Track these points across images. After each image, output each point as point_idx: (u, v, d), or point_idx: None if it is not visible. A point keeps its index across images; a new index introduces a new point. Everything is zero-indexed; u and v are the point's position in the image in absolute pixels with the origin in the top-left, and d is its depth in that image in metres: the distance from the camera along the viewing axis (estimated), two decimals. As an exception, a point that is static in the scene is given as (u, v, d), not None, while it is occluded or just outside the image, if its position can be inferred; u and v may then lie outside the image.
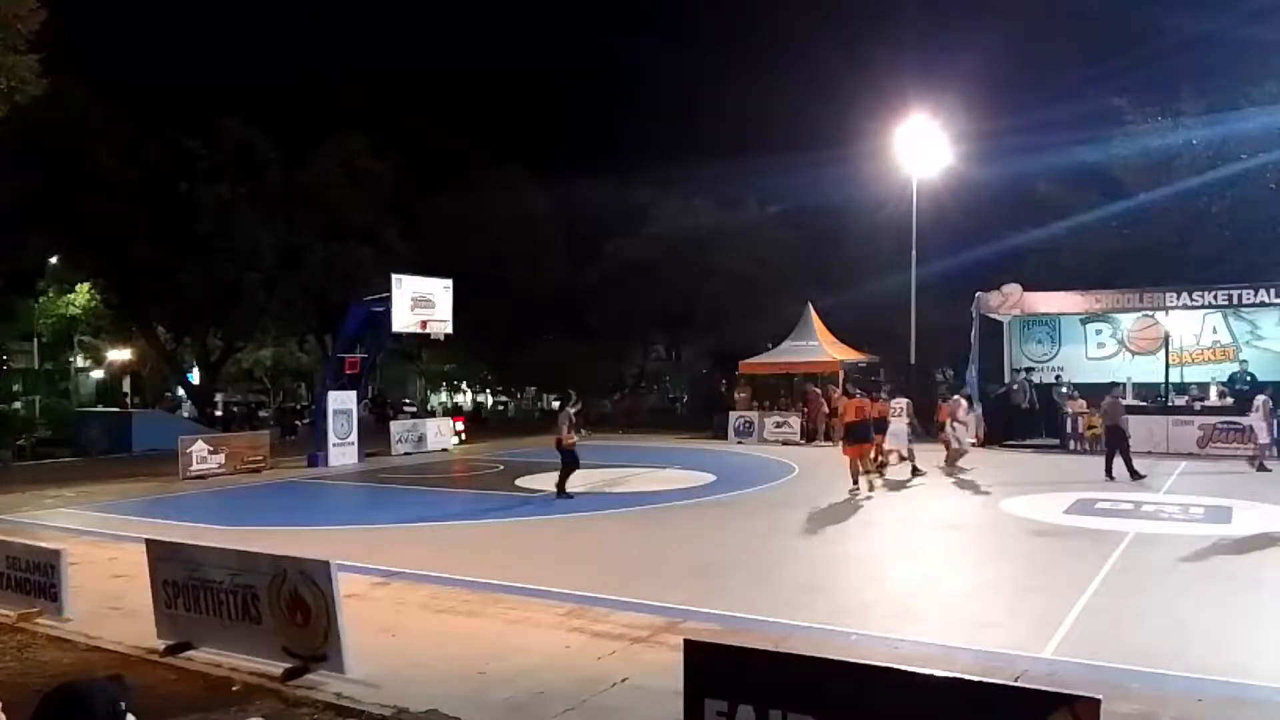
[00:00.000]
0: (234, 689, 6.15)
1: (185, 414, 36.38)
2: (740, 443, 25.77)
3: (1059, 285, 24.42)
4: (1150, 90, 29.14)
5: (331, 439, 21.31)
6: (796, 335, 28.16)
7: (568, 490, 14.80)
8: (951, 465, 17.68)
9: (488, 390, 56.77)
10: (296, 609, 6.12)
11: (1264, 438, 17.78)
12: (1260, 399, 17.90)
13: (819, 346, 27.22)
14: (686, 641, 4.11)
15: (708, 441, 26.40)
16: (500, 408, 54.82)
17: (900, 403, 17.66)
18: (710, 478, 17.29)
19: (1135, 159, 28.82)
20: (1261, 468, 17.31)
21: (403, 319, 21.47)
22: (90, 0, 25.94)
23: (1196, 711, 5.28)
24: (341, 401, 21.63)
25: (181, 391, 40.83)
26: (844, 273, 33.40)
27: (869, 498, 14.74)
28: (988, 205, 30.80)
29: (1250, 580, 8.73)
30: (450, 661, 6.52)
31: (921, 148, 28.17)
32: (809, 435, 25.40)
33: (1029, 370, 25.37)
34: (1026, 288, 24.17)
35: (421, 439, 24.56)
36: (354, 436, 21.84)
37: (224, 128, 29.68)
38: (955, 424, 17.87)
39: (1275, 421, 18.39)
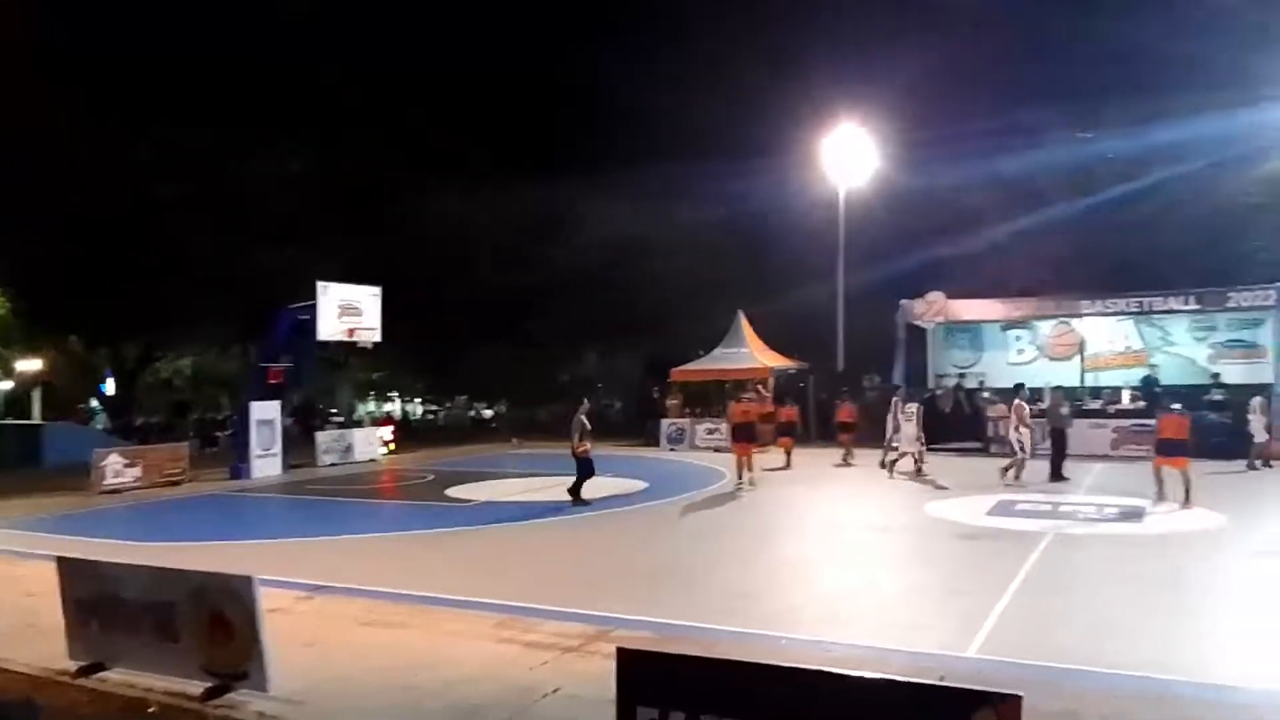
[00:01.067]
0: (150, 710, 5.92)
1: (100, 426, 35.07)
2: (673, 449, 25.88)
3: (982, 293, 25.11)
4: (1072, 102, 30.22)
5: (255, 450, 20.76)
6: (728, 342, 28.44)
7: (584, 497, 14.70)
8: (1016, 475, 16.30)
9: (418, 399, 56.02)
10: (216, 626, 5.93)
11: (1260, 437, 18.33)
12: (1257, 400, 18.52)
13: (749, 353, 27.52)
14: (619, 650, 4.10)
15: (640, 448, 26.45)
16: (430, 416, 54.15)
17: (912, 407, 18.31)
18: (642, 485, 17.32)
19: (1056, 170, 29.84)
20: (1253, 467, 17.97)
21: (329, 327, 21.04)
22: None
23: (1117, 707, 5.44)
24: (265, 411, 21.09)
25: (96, 403, 39.38)
26: (775, 280, 33.81)
27: (752, 489, 16.24)
28: (914, 214, 31.48)
29: (1162, 577, 9.07)
30: (379, 675, 6.39)
31: (849, 157, 28.81)
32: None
33: (961, 376, 25.99)
34: (950, 295, 24.80)
35: (349, 449, 24.08)
36: (278, 447, 21.32)
37: (153, 125, 28.73)
38: (1021, 428, 16.41)
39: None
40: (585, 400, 15.99)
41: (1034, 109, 30.21)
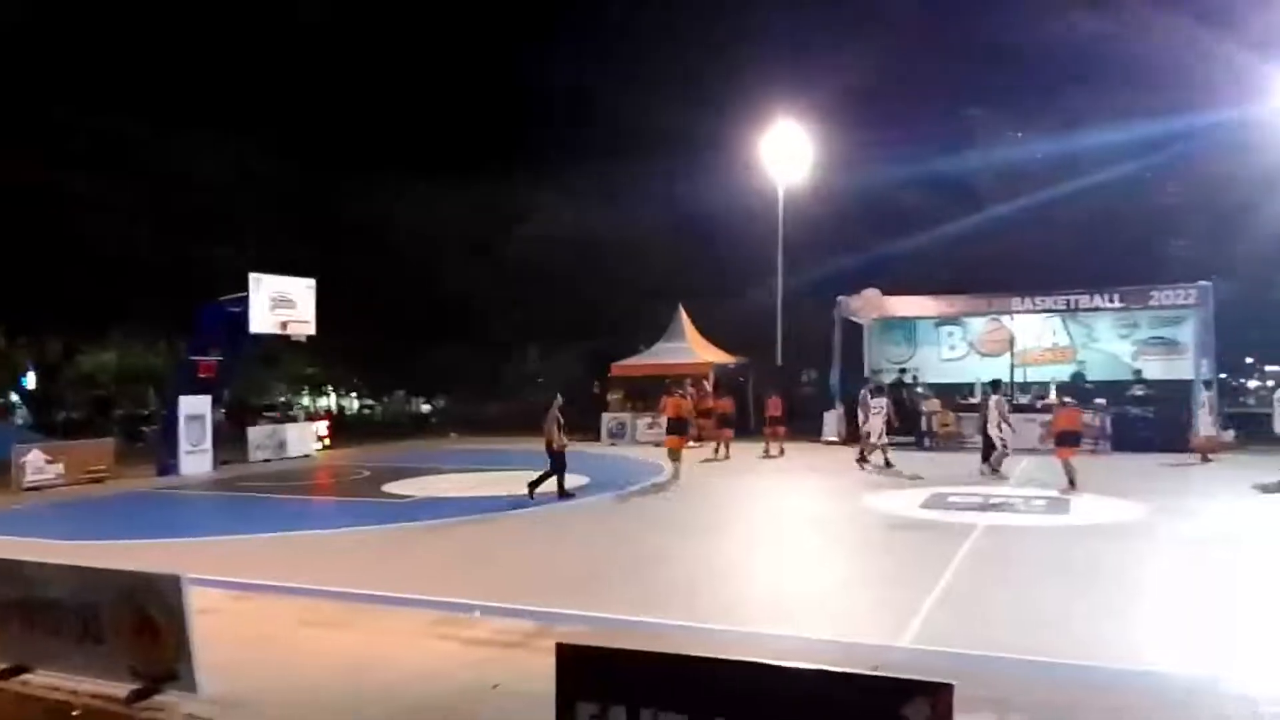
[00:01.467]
0: (74, 714, 5.74)
1: (20, 421, 33.78)
2: (614, 444, 25.92)
3: (916, 290, 25.60)
4: (1006, 106, 31.05)
5: (184, 446, 20.20)
6: (668, 337, 28.56)
7: (568, 489, 14.76)
8: (996, 468, 16.95)
9: (354, 394, 55.08)
10: (144, 627, 5.76)
11: (1205, 431, 18.96)
12: (1206, 395, 19.13)
13: (690, 348, 27.67)
14: (558, 645, 4.09)
15: (582, 443, 26.41)
16: (367, 411, 53.27)
17: (880, 401, 18.73)
18: (583, 480, 17.29)
19: (989, 170, 30.59)
20: (1207, 460, 18.55)
21: (261, 320, 20.56)
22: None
23: (1045, 694, 5.60)
24: (195, 406, 20.53)
25: (16, 398, 37.90)
26: (717, 276, 34.05)
27: (677, 482, 16.61)
28: (853, 212, 32.01)
29: (1088, 567, 9.36)
30: (315, 675, 6.28)
31: (790, 156, 29.11)
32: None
33: (901, 372, 26.44)
34: (885, 292, 25.23)
35: (282, 445, 23.59)
36: (208, 443, 20.77)
37: (83, 115, 27.79)
38: (1002, 424, 16.97)
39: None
40: (559, 396, 15.96)
41: (969, 110, 31.00)
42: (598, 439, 26.62)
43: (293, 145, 34.22)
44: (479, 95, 38.06)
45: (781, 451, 21.43)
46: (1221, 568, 9.27)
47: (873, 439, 18.53)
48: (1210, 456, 18.81)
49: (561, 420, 14.82)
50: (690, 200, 33.61)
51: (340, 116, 35.58)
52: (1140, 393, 22.44)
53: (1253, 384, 54.96)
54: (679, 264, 35.29)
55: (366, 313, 33.36)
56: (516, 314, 37.29)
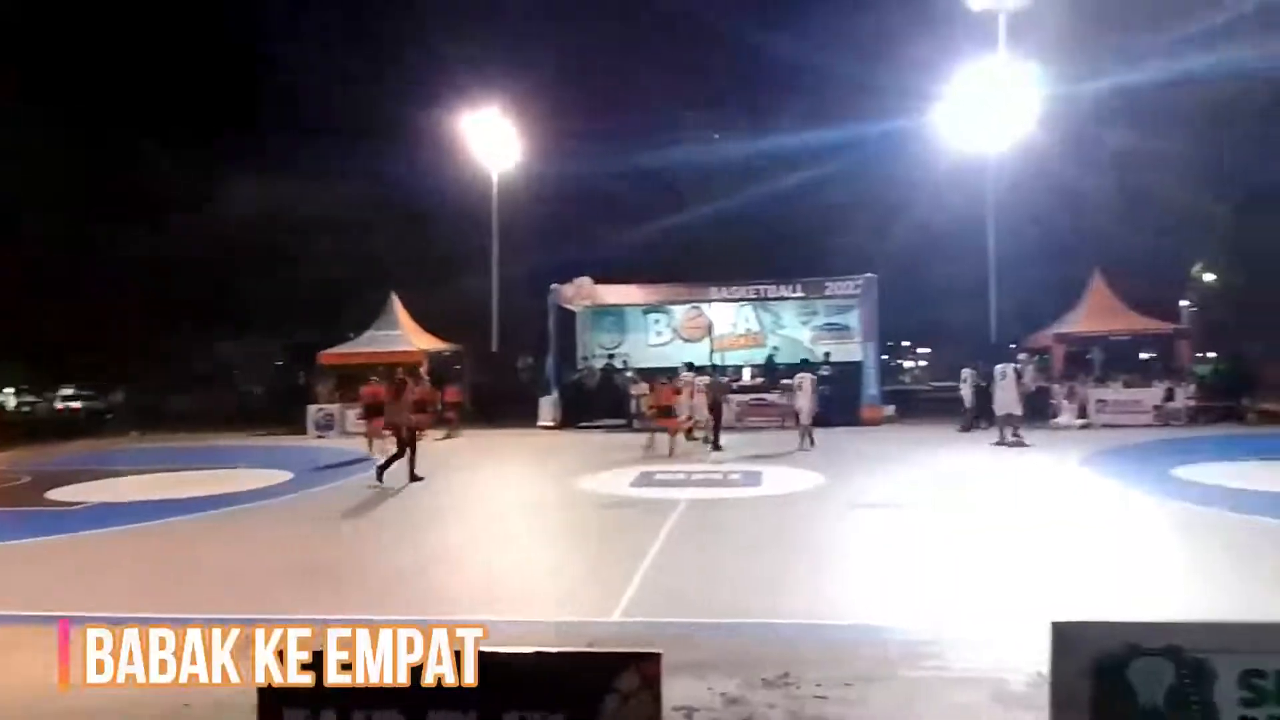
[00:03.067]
0: None
1: None
2: (321, 437, 24.64)
3: (626, 279, 26.66)
4: (705, 104, 33.13)
5: None
6: (380, 325, 27.59)
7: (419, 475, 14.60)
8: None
9: (9, 389, 48.06)
10: None
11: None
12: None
13: (404, 336, 26.92)
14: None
15: (285, 437, 24.89)
16: (27, 410, 46.59)
17: (701, 380, 19.94)
18: (286, 475, 16.31)
19: (688, 165, 32.52)
20: (1000, 438, 19.87)
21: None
22: None
23: (743, 653, 6.07)
24: None
25: None
26: (432, 262, 33.32)
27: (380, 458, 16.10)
28: (567, 202, 32.70)
29: (778, 532, 10.29)
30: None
31: (503, 144, 29.19)
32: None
33: (610, 357, 27.41)
34: (597, 280, 26.05)
35: (-87, 451, 20.11)
36: None
37: None
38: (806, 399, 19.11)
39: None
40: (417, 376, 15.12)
41: (677, 110, 32.74)
42: (303, 432, 25.20)
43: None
44: (172, 61, 34.48)
45: (452, 436, 22.30)
46: (886, 527, 10.56)
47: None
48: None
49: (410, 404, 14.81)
50: (403, 185, 32.68)
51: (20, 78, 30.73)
52: (827, 373, 24.95)
53: (908, 364, 62.93)
54: (391, 249, 34.17)
55: (30, 297, 29.12)
56: (208, 298, 34.21)
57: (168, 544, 11.03)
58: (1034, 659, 5.57)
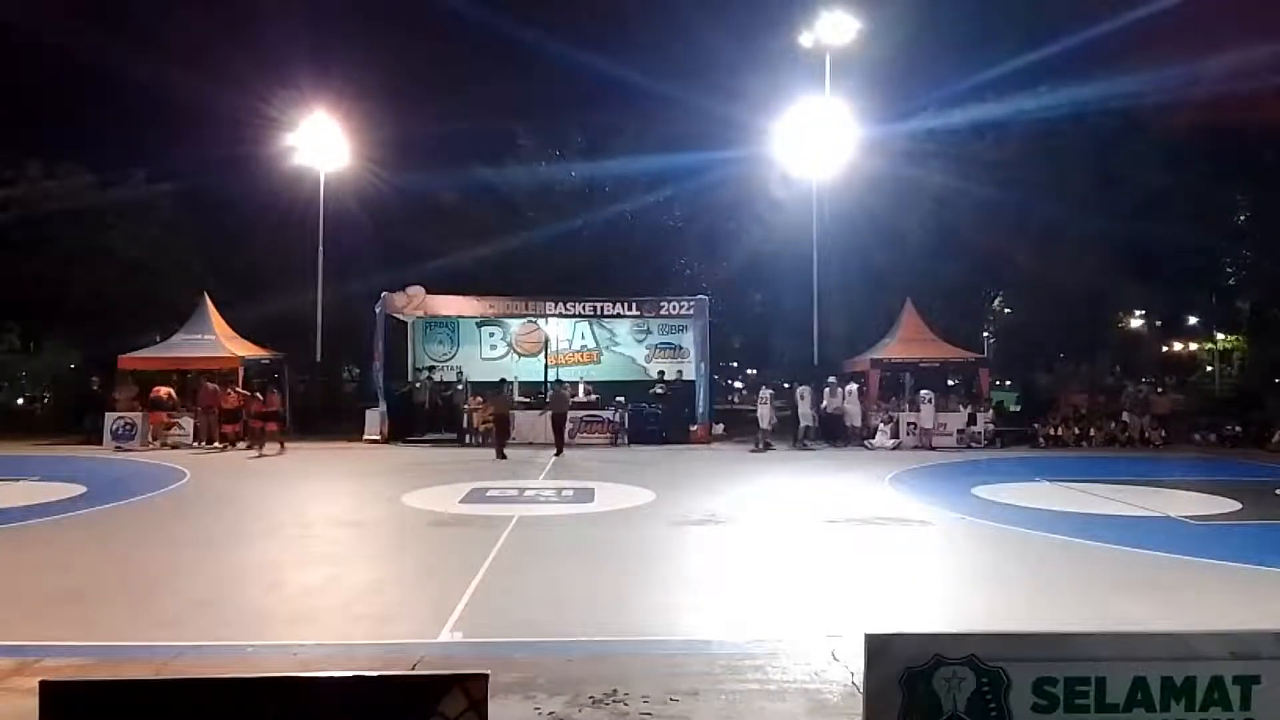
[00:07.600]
0: None
1: None
2: (120, 447, 22.76)
3: (460, 290, 26.17)
4: (543, 121, 33.18)
5: None
6: (190, 328, 25.85)
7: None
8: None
9: None
10: None
11: (766, 424, 23.17)
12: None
13: (216, 341, 25.34)
14: (42, 683, 3.48)
15: (78, 447, 22.88)
16: None
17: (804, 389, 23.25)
18: (79, 489, 14.96)
19: (526, 181, 32.37)
20: (804, 447, 22.99)
21: None
22: None
23: (566, 670, 6.03)
24: None
25: None
26: (250, 265, 31.51)
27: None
28: (398, 211, 31.81)
29: (609, 550, 10.34)
30: None
31: (330, 149, 28.29)
32: (206, 437, 23.51)
33: (431, 369, 26.84)
34: (430, 291, 25.45)
35: None
36: None
37: None
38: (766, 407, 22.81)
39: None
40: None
41: (509, 121, 32.66)
42: (100, 442, 23.22)
43: None
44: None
45: (282, 448, 21.26)
46: (714, 542, 10.80)
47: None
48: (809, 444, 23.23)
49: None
50: (220, 186, 30.79)
51: None
52: (661, 390, 25.38)
53: (738, 384, 64.95)
54: (205, 249, 32.02)
55: None
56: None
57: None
58: (847, 669, 5.83)
